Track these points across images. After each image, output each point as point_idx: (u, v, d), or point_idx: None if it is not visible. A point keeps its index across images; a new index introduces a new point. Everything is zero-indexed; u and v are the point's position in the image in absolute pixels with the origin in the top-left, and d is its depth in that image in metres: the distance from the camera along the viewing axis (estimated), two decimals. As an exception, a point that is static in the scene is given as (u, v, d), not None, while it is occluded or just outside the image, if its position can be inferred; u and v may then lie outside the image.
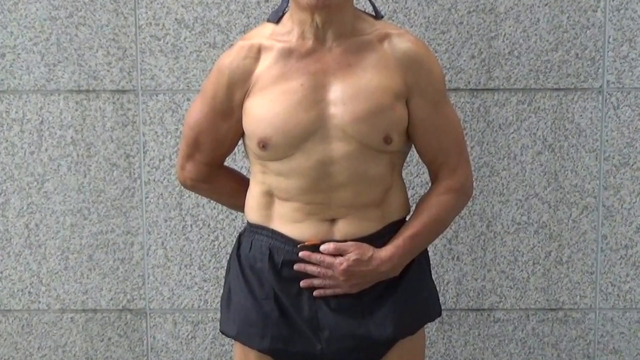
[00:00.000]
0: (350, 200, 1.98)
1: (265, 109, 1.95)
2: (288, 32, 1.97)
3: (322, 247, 1.98)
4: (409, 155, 2.71)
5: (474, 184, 2.70)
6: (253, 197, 2.07)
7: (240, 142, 2.10)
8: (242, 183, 2.17)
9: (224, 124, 2.04)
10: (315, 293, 2.01)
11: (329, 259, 1.97)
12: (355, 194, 1.98)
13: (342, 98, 1.93)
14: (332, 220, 2.00)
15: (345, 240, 1.99)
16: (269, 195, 2.03)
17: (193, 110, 2.08)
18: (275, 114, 1.93)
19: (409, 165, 2.75)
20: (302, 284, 2.01)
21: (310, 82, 1.94)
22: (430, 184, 2.13)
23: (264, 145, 1.95)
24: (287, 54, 1.95)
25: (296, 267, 2.00)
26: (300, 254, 1.99)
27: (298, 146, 1.94)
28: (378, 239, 2.02)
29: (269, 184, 2.01)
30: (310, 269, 1.99)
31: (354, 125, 1.93)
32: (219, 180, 2.17)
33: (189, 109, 2.11)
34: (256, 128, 1.96)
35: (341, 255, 1.98)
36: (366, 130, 1.94)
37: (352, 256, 1.97)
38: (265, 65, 1.96)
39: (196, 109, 2.07)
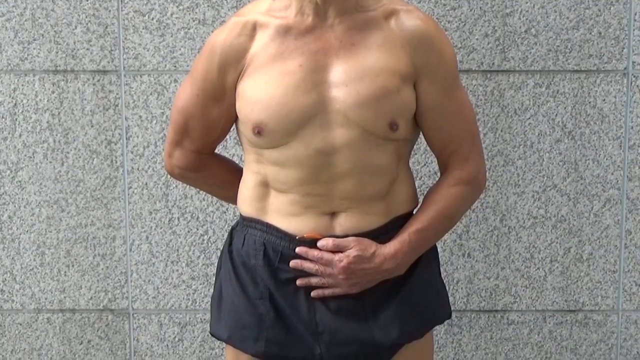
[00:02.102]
0: (352, 192, 1.98)
1: (261, 92, 1.95)
2: (286, 7, 1.97)
3: (319, 243, 1.98)
4: (415, 144, 2.72)
5: (487, 174, 2.72)
6: (247, 187, 2.06)
7: (233, 128, 2.11)
8: (235, 173, 2.17)
9: (216, 108, 2.04)
10: (313, 294, 2.01)
11: (327, 256, 1.97)
12: (358, 185, 1.98)
13: (344, 80, 1.93)
14: (333, 214, 2.00)
15: (346, 236, 1.99)
16: (264, 186, 2.03)
17: (182, 92, 2.08)
18: (271, 97, 1.93)
19: (416, 154, 2.76)
20: (299, 282, 2.00)
21: (310, 62, 1.94)
22: (439, 175, 2.13)
23: (258, 131, 1.95)
24: (285, 31, 1.96)
25: (292, 263, 2.00)
26: (297, 249, 1.99)
27: (296, 133, 1.94)
28: (382, 234, 2.01)
29: (264, 174, 2.01)
30: (307, 266, 1.99)
31: (357, 110, 1.93)
32: (210, 169, 2.17)
33: (177, 92, 2.12)
34: (250, 112, 1.96)
35: (341, 251, 1.98)
36: (370, 115, 1.93)
37: (352, 252, 1.96)
38: (261, 44, 1.97)
39: (185, 91, 2.07)
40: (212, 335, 2.12)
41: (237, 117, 2.03)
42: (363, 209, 1.99)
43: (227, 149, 2.73)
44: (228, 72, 1.99)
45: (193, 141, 2.10)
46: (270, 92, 1.94)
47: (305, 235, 1.98)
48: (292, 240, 1.99)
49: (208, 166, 2.16)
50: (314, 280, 1.99)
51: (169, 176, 2.76)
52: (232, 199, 2.16)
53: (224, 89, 2.01)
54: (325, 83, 1.94)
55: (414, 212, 2.08)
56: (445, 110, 2.01)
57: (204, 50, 2.03)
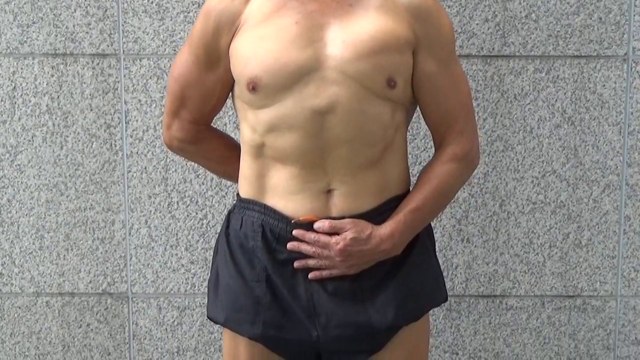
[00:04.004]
0: (346, 161, 1.98)
1: (255, 47, 1.96)
2: None
3: (316, 225, 1.99)
4: (415, 128, 2.73)
5: (486, 159, 2.74)
6: (247, 166, 2.07)
7: (233, 114, 2.10)
8: (233, 149, 2.18)
9: (211, 75, 2.06)
10: (310, 275, 2.02)
11: (324, 238, 1.98)
12: (352, 152, 1.97)
13: (341, 37, 1.94)
14: (329, 192, 2.00)
15: (342, 217, 2.00)
16: (262, 159, 2.02)
17: (178, 60, 2.11)
18: (266, 50, 1.94)
19: (415, 139, 2.76)
20: (296, 264, 2.01)
21: (306, 20, 1.95)
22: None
23: (253, 86, 1.96)
24: None
25: (289, 245, 2.01)
26: (294, 232, 2.00)
27: (291, 88, 1.94)
28: (377, 215, 2.02)
29: (260, 145, 2.01)
30: (304, 248, 2.00)
31: (354, 64, 1.93)
32: (208, 143, 2.18)
33: (174, 62, 2.14)
34: (244, 68, 1.97)
35: (337, 233, 1.98)
36: (368, 69, 1.94)
37: (349, 234, 1.97)
38: (257, 4, 1.98)
39: (182, 58, 2.09)
40: (209, 318, 2.14)
41: (232, 87, 2.04)
42: (357, 186, 1.99)
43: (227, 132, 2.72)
44: (222, 35, 2.01)
45: (190, 111, 2.11)
46: (265, 46, 1.95)
47: (301, 218, 1.99)
48: (289, 222, 2.00)
49: (206, 139, 2.17)
50: (311, 262, 2.00)
51: (168, 160, 2.78)
52: (230, 175, 2.18)
53: (218, 53, 2.02)
54: (321, 41, 1.95)
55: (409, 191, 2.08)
56: (441, 82, 2.02)
57: (199, 16, 2.05)
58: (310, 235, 1.99)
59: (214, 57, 2.03)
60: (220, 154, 2.20)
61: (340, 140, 1.96)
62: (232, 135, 2.71)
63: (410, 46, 1.98)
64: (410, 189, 2.11)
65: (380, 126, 1.98)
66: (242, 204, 2.08)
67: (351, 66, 1.93)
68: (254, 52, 1.95)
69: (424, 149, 2.77)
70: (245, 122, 2.04)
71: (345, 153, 1.97)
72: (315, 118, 1.95)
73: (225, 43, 2.01)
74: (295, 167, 1.99)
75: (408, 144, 2.16)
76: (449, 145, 2.06)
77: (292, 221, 1.99)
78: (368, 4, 1.97)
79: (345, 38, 1.94)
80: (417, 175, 2.68)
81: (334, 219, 1.99)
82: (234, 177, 2.15)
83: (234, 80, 2.04)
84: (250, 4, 1.99)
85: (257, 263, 2.04)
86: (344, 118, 1.95)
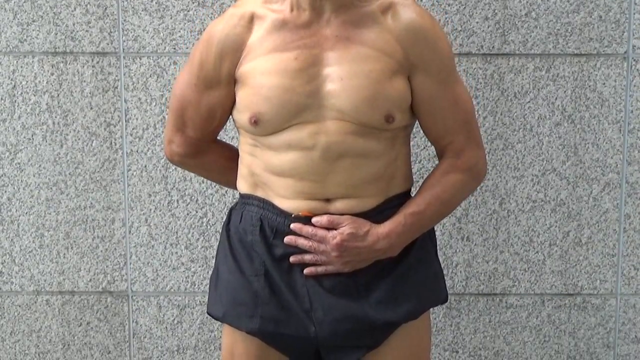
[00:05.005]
0: (347, 179, 2.00)
1: (256, 84, 1.97)
2: (282, 0, 1.99)
3: (314, 219, 1.99)
4: (415, 127, 2.72)
5: (486, 157, 2.71)
6: (244, 165, 2.08)
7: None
8: (234, 160, 2.18)
9: (212, 98, 2.06)
10: (305, 271, 2.03)
11: (321, 232, 1.99)
12: (353, 172, 2.00)
13: (339, 74, 1.95)
14: (328, 200, 2.02)
15: (341, 214, 2.00)
16: (259, 166, 2.04)
17: (180, 79, 2.11)
18: (268, 88, 1.96)
19: (415, 137, 2.76)
20: (292, 259, 2.02)
21: (306, 56, 1.96)
22: (437, 158, 2.15)
23: (255, 121, 1.98)
24: (281, 25, 1.98)
25: (286, 239, 2.02)
26: (292, 225, 2.01)
27: (290, 122, 1.97)
28: (377, 214, 2.03)
29: (259, 156, 2.04)
30: (301, 242, 2.01)
31: (352, 105, 1.95)
32: (209, 156, 2.19)
33: (176, 78, 2.13)
34: (249, 103, 1.99)
35: (335, 229, 1.99)
36: (366, 110, 1.95)
37: (346, 230, 1.98)
38: (258, 36, 1.99)
39: (183, 78, 2.10)
40: (209, 314, 2.14)
41: (233, 105, 2.05)
42: (358, 193, 2.01)
43: (226, 131, 2.71)
44: (224, 61, 2.01)
45: (192, 130, 2.12)
46: (266, 84, 1.96)
47: (300, 213, 2.00)
48: (288, 216, 2.01)
49: (208, 153, 2.18)
50: (307, 257, 2.01)
51: (168, 158, 2.78)
52: (232, 184, 2.18)
53: (219, 78, 2.03)
54: (320, 77, 1.96)
55: (411, 195, 2.09)
56: (439, 103, 2.03)
57: (201, 40, 2.05)
58: (308, 229, 2.00)
59: (215, 82, 2.04)
60: (222, 165, 2.21)
61: (339, 167, 1.98)
62: (233, 132, 2.72)
63: (405, 73, 1.98)
64: (412, 187, 2.11)
65: (380, 152, 2.00)
66: (243, 200, 2.09)
67: (348, 107, 1.95)
68: (256, 89, 1.97)
69: (424, 147, 2.78)
70: (244, 137, 2.06)
71: (346, 174, 1.99)
72: (314, 152, 1.97)
73: (227, 69, 2.02)
74: (293, 180, 2.00)
75: (407, 141, 2.16)
76: (450, 158, 2.07)
77: (292, 215, 2.00)
78: (365, 36, 1.96)
79: (343, 76, 1.95)
80: (417, 173, 2.69)
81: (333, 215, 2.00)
82: (233, 185, 2.16)
83: (234, 102, 2.05)
84: (253, 32, 1.99)
85: (255, 257, 2.05)
86: (342, 151, 1.97)
